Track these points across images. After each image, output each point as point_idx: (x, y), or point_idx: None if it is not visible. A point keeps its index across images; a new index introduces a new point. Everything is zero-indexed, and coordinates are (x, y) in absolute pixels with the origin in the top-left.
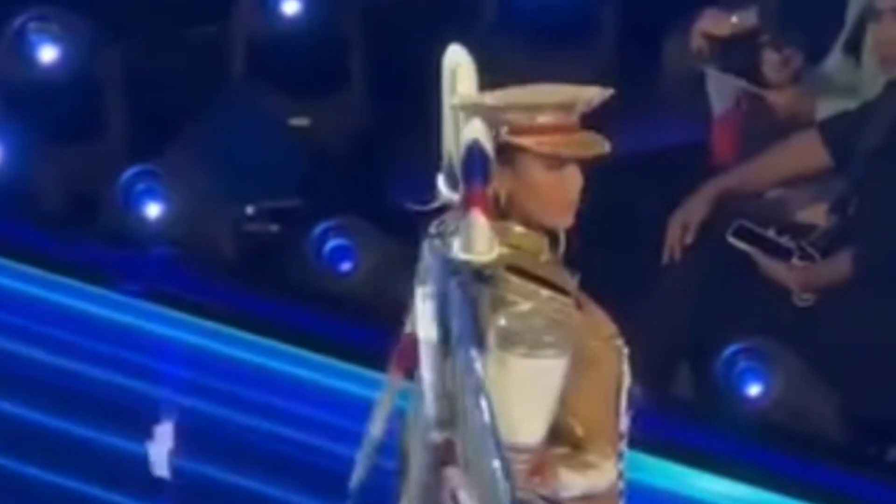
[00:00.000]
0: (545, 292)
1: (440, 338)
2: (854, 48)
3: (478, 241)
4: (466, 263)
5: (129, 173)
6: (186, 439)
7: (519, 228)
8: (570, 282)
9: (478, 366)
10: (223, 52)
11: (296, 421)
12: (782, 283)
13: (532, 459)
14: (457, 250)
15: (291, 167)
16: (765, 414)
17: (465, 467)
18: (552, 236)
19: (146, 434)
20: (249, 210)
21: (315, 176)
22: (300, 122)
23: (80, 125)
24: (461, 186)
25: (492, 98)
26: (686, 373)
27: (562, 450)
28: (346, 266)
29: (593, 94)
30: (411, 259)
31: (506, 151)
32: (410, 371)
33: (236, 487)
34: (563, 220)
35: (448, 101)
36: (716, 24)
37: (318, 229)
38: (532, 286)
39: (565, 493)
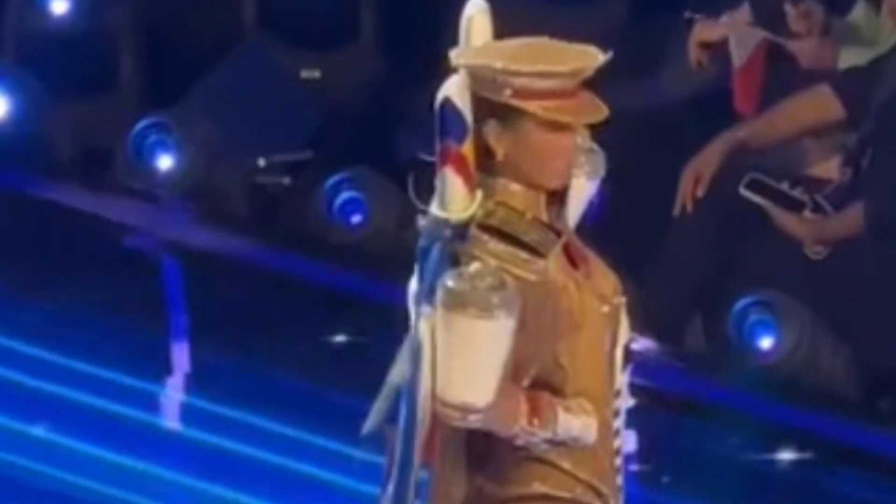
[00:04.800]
0: (522, 254)
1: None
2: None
3: (452, 199)
4: (442, 220)
5: (140, 125)
6: (199, 385)
7: (513, 185)
8: (551, 242)
9: (421, 324)
10: (235, 4)
11: (304, 369)
12: (794, 235)
13: (484, 417)
14: (433, 207)
15: (303, 119)
16: (776, 367)
17: None
18: (553, 194)
19: (159, 379)
20: (261, 162)
21: (326, 128)
22: (311, 74)
23: (92, 77)
24: (436, 144)
25: (499, 61)
26: (697, 326)
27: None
28: (357, 218)
29: (598, 60)
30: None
31: (506, 112)
32: None
33: (246, 428)
34: (558, 182)
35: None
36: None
37: (330, 182)
38: (504, 246)
39: (562, 434)
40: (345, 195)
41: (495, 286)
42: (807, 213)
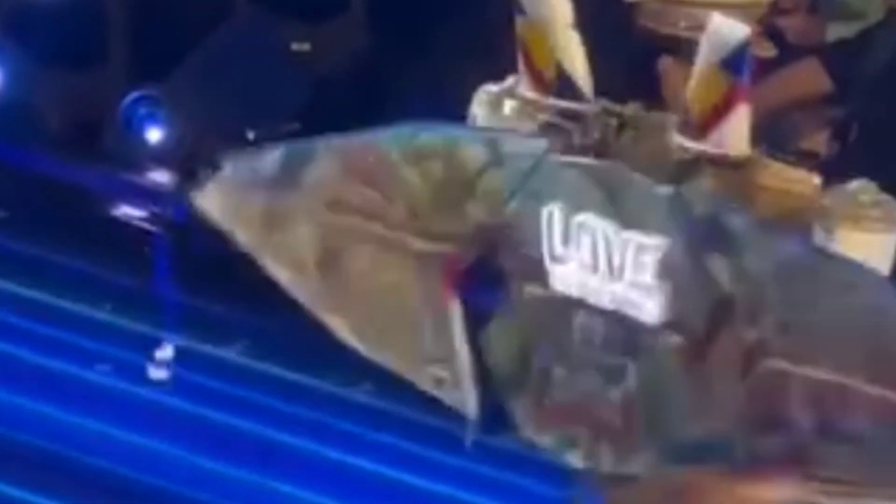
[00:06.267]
0: (792, 172)
1: (690, 241)
2: None
3: (744, 134)
4: (720, 157)
5: (130, 98)
6: (188, 357)
7: None
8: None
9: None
10: None
11: (296, 341)
12: None
13: None
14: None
15: (292, 92)
16: None
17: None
18: None
19: (148, 351)
20: (250, 135)
21: (316, 101)
22: (301, 47)
23: (82, 50)
24: (727, 81)
25: None
26: None
27: None
28: None
29: None
30: None
31: (678, 43)
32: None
33: (238, 401)
34: None
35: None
36: None
37: None
38: (780, 166)
39: None
40: None
41: (874, 202)
42: None
